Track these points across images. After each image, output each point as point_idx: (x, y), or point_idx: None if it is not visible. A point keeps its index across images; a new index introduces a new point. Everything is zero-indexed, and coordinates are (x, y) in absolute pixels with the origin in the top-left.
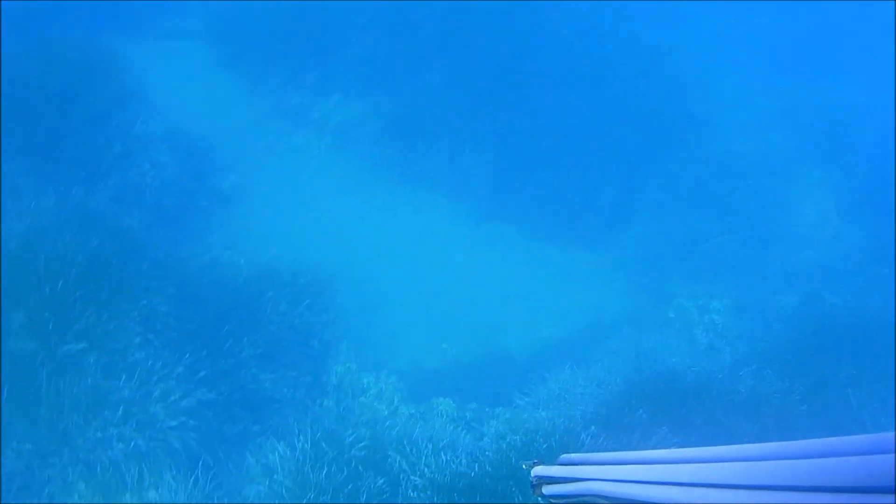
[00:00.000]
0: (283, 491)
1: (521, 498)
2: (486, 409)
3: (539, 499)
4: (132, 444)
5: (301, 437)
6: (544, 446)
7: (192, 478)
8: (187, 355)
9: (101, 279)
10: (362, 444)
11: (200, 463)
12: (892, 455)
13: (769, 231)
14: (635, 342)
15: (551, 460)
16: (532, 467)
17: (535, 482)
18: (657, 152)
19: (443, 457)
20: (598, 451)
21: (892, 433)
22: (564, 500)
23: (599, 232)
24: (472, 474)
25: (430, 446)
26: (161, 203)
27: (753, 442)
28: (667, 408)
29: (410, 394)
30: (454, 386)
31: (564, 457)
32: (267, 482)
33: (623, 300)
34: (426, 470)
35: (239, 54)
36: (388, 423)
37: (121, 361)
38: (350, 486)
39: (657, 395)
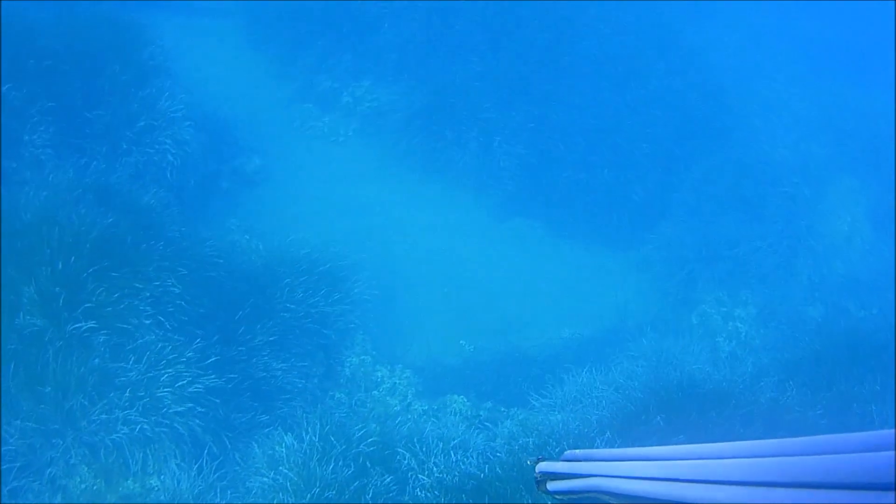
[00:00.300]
0: (288, 484)
1: (530, 501)
2: (502, 409)
3: (543, 494)
4: (137, 428)
5: (309, 430)
6: (557, 450)
7: (197, 466)
8: (198, 340)
9: (114, 257)
10: (371, 439)
11: (206, 451)
12: (893, 452)
13: (799, 240)
14: (657, 347)
15: (556, 456)
16: (536, 463)
17: (539, 478)
18: (690, 154)
19: (453, 456)
20: None
21: (893, 430)
22: (569, 496)
23: (627, 232)
24: (482, 476)
25: (440, 445)
26: (182, 182)
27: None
28: (685, 416)
29: (425, 389)
30: (470, 383)
31: (569, 453)
32: (272, 474)
33: (647, 303)
34: (435, 469)
35: (270, 35)
36: (399, 419)
37: (130, 343)
38: (357, 483)
39: (675, 403)
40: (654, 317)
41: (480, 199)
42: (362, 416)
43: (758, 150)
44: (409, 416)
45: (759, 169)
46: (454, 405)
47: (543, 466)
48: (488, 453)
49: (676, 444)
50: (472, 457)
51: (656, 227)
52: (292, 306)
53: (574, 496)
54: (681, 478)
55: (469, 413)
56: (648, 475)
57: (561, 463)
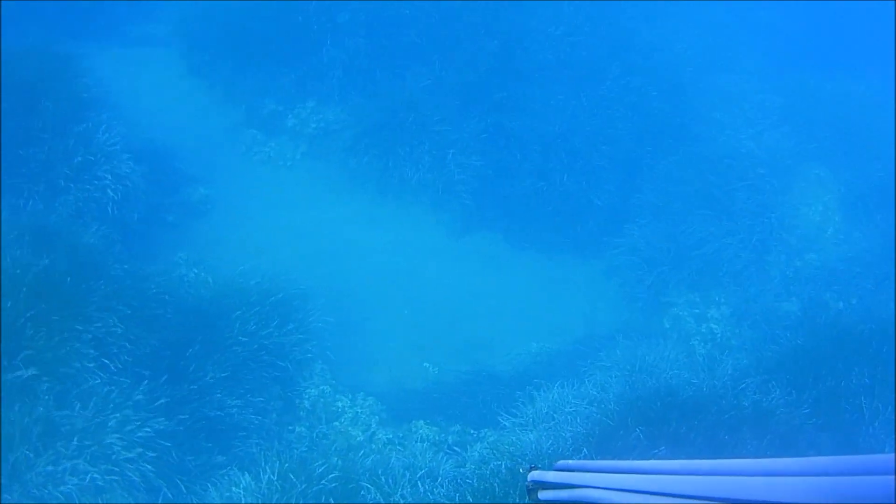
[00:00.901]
0: None
1: None
2: (471, 432)
3: (534, 503)
4: (87, 478)
5: (267, 469)
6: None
7: None
8: (146, 381)
9: (52, 299)
10: (333, 474)
11: (160, 497)
12: (893, 477)
13: (770, 234)
14: (630, 356)
15: (548, 465)
16: (529, 471)
17: (530, 486)
18: (652, 153)
19: (421, 487)
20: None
21: (893, 454)
22: None
23: (591, 239)
24: None
25: (407, 475)
26: (125, 218)
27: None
28: (665, 427)
29: (389, 417)
30: (437, 407)
31: (561, 462)
32: None
33: (616, 311)
34: (402, 502)
35: (210, 61)
36: (363, 451)
37: (74, 388)
38: None
39: (654, 413)
40: (625, 324)
41: (437, 215)
42: (324, 449)
43: (722, 145)
44: (374, 447)
45: (724, 163)
46: (420, 431)
47: (535, 475)
48: (458, 480)
49: (657, 457)
50: (441, 486)
51: (621, 232)
52: (244, 339)
53: None
54: (672, 493)
55: (436, 438)
56: (640, 488)
57: (553, 472)
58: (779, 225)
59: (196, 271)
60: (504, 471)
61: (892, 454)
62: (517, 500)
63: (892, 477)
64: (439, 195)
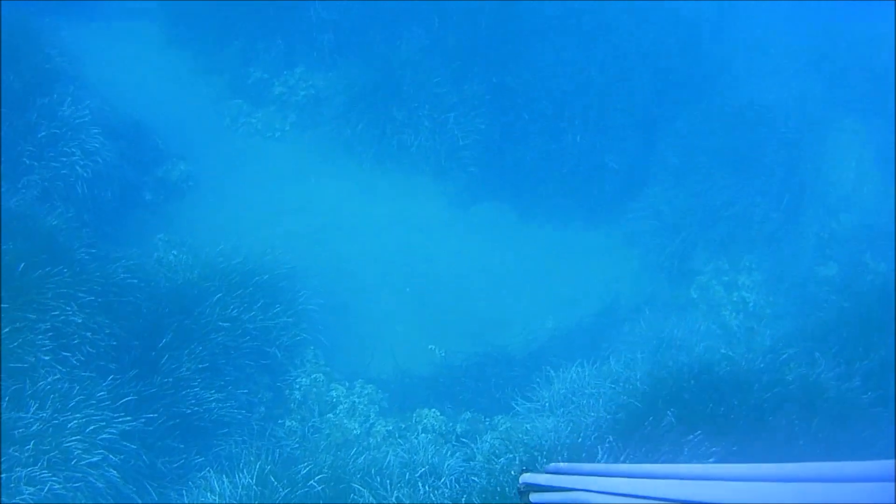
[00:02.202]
0: None
1: None
2: (482, 420)
3: None
4: (46, 487)
5: (245, 472)
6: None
7: None
8: (111, 376)
9: (4, 288)
10: (320, 475)
11: None
12: (893, 483)
13: (802, 192)
14: (656, 329)
15: (540, 468)
16: (521, 474)
17: (522, 489)
18: (671, 109)
19: (421, 487)
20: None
21: (893, 461)
22: None
23: (608, 205)
24: None
25: (406, 474)
26: (96, 197)
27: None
28: (700, 408)
29: (391, 406)
30: (444, 393)
31: (553, 465)
32: None
33: (638, 281)
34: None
35: (190, 30)
36: (356, 447)
37: (29, 386)
38: None
39: (687, 393)
40: (649, 295)
41: (440, 185)
42: (315, 446)
43: (746, 96)
44: (372, 441)
45: (749, 116)
46: (425, 421)
47: (527, 478)
48: (465, 477)
49: (694, 444)
50: (445, 485)
51: (641, 195)
52: (225, 325)
53: None
54: (666, 498)
55: (443, 429)
56: (633, 493)
57: (545, 475)
58: (812, 182)
59: (175, 253)
60: (518, 464)
61: (892, 460)
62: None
63: (892, 483)
64: (442, 163)
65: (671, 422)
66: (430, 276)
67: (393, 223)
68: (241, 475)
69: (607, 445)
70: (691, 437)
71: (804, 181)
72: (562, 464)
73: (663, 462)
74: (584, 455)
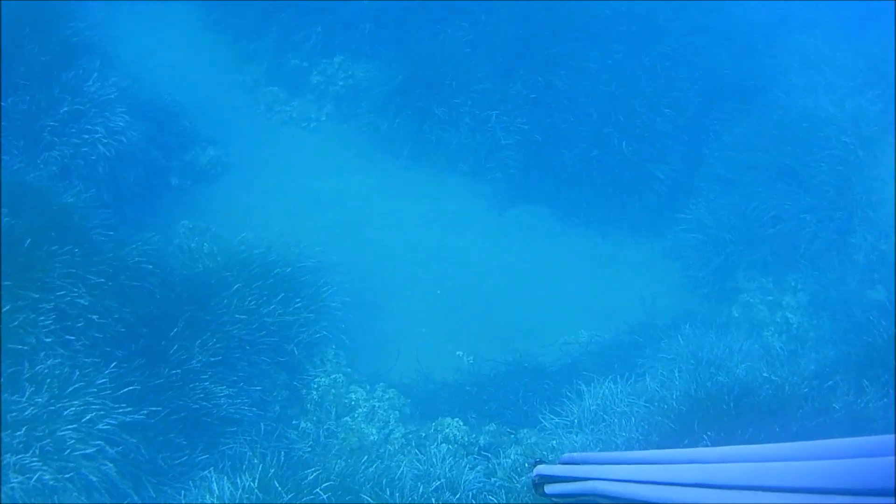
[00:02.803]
0: None
1: None
2: (507, 432)
3: (541, 497)
4: (35, 477)
5: (248, 474)
6: None
7: None
8: (115, 363)
9: (6, 263)
10: (327, 483)
11: (126, 501)
12: (893, 458)
13: (853, 212)
14: (694, 347)
15: (554, 459)
16: (534, 466)
17: (536, 481)
18: (720, 119)
19: (434, 501)
20: None
21: (893, 435)
22: (565, 499)
23: (651, 215)
24: None
25: (420, 487)
26: (118, 178)
27: None
28: (739, 432)
29: (413, 412)
30: (469, 403)
31: (566, 455)
32: None
33: (678, 297)
34: None
35: (229, 14)
36: (372, 454)
37: (27, 369)
38: None
39: (726, 416)
40: (688, 312)
41: (477, 185)
42: (328, 451)
43: (799, 111)
44: (389, 448)
45: (801, 131)
46: (447, 430)
47: (541, 469)
48: (483, 495)
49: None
50: (461, 500)
51: (685, 207)
52: (242, 317)
53: (571, 499)
54: (678, 482)
55: (465, 440)
56: (645, 479)
57: (558, 466)
58: (864, 202)
59: (198, 240)
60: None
61: (892, 435)
62: None
63: (893, 458)
64: (481, 162)
65: (707, 445)
66: (461, 280)
67: (427, 222)
68: (243, 477)
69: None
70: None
71: (855, 201)
72: (575, 454)
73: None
74: None
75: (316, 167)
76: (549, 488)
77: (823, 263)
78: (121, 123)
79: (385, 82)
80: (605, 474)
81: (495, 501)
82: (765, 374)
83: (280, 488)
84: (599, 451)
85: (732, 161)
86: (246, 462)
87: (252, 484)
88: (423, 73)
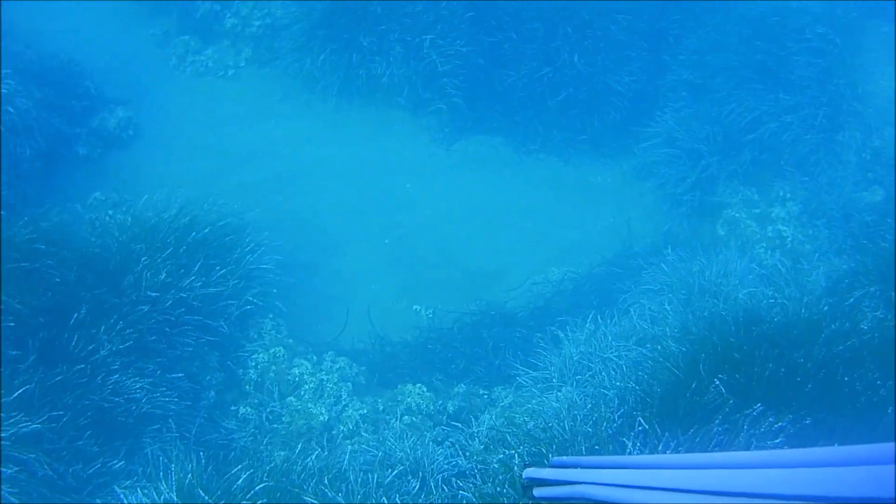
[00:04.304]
0: None
1: None
2: (478, 394)
3: (529, 500)
4: None
5: (164, 483)
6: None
7: None
8: (4, 366)
9: None
10: (261, 486)
11: None
12: (893, 466)
13: (839, 107)
14: (682, 275)
15: (543, 462)
16: (524, 468)
17: (526, 483)
18: (681, 21)
19: (395, 497)
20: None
21: (893, 443)
22: (555, 503)
23: (616, 132)
24: None
25: (375, 477)
26: (12, 154)
27: None
28: (755, 370)
29: (367, 383)
30: (431, 363)
31: (556, 459)
32: None
33: (655, 219)
34: None
35: None
36: (317, 441)
37: None
38: None
39: (736, 353)
40: (669, 235)
41: (419, 120)
42: (274, 437)
43: (765, 3)
44: (341, 429)
45: (771, 25)
46: (410, 399)
47: (531, 472)
48: (455, 480)
49: (752, 417)
50: (425, 494)
51: (652, 121)
52: (155, 294)
53: (560, 503)
54: (668, 487)
55: (431, 409)
56: (635, 483)
57: (548, 469)
58: (850, 95)
59: (111, 213)
60: (526, 456)
61: (892, 443)
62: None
63: (892, 466)
64: (419, 94)
65: (721, 392)
66: (411, 226)
67: (366, 166)
68: (161, 486)
69: (639, 430)
70: (750, 410)
71: (839, 95)
72: (565, 457)
73: (717, 448)
74: (610, 448)
75: (238, 118)
76: (538, 491)
77: (812, 167)
78: (6, 90)
79: (305, 16)
80: (594, 478)
81: (473, 482)
82: (771, 297)
83: (206, 497)
84: (589, 455)
85: (698, 65)
86: (162, 468)
87: (171, 495)
88: (345, 1)
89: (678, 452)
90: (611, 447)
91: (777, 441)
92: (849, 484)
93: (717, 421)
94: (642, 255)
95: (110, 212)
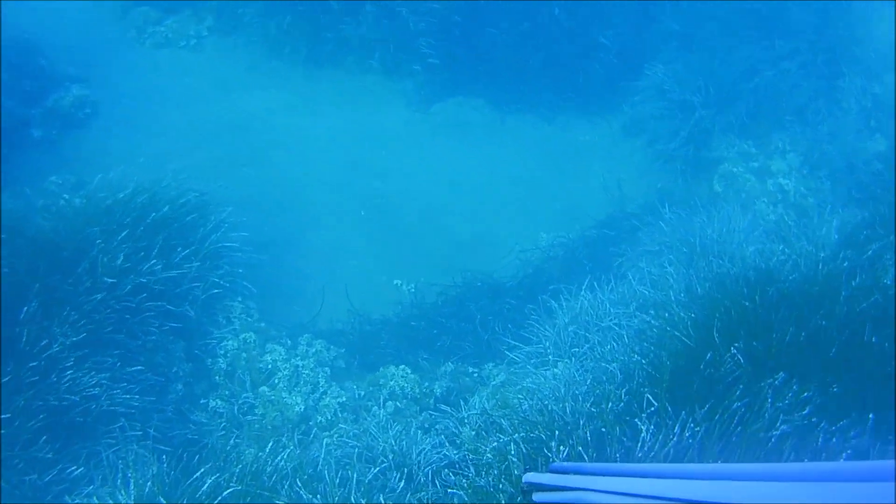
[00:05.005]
0: None
1: None
2: (467, 372)
3: None
4: None
5: (122, 491)
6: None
7: None
8: None
9: None
10: (230, 489)
11: None
12: (893, 483)
13: (838, 53)
14: (682, 234)
15: (543, 467)
16: (523, 473)
17: (525, 488)
18: None
19: (382, 499)
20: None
21: (893, 461)
22: None
23: (602, 88)
24: None
25: (355, 475)
26: None
27: None
28: (774, 336)
29: (346, 366)
30: (415, 341)
31: (556, 464)
32: None
33: (648, 177)
34: None
35: None
36: (294, 434)
37: None
38: None
39: (751, 316)
40: (663, 194)
41: (394, 83)
42: (250, 431)
43: None
44: (319, 419)
45: None
46: (393, 382)
47: (530, 477)
48: (444, 473)
49: (774, 388)
50: (411, 492)
51: (640, 74)
52: (112, 280)
53: None
54: (668, 497)
55: (416, 392)
56: (635, 492)
57: (548, 475)
58: (848, 38)
59: (67, 197)
60: (523, 444)
61: (892, 461)
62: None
63: (893, 483)
64: (393, 56)
65: (738, 361)
66: (389, 196)
67: (339, 135)
68: (120, 495)
69: (651, 410)
70: (771, 380)
71: (838, 39)
72: (565, 463)
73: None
74: (617, 431)
75: (202, 91)
76: (538, 496)
77: (811, 117)
78: None
79: None
80: (594, 485)
81: (465, 477)
82: (782, 253)
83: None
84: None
85: (687, 13)
86: (121, 473)
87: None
88: None
89: (697, 433)
90: (618, 429)
91: (805, 412)
92: (851, 500)
93: (737, 393)
94: (638, 215)
95: (66, 196)
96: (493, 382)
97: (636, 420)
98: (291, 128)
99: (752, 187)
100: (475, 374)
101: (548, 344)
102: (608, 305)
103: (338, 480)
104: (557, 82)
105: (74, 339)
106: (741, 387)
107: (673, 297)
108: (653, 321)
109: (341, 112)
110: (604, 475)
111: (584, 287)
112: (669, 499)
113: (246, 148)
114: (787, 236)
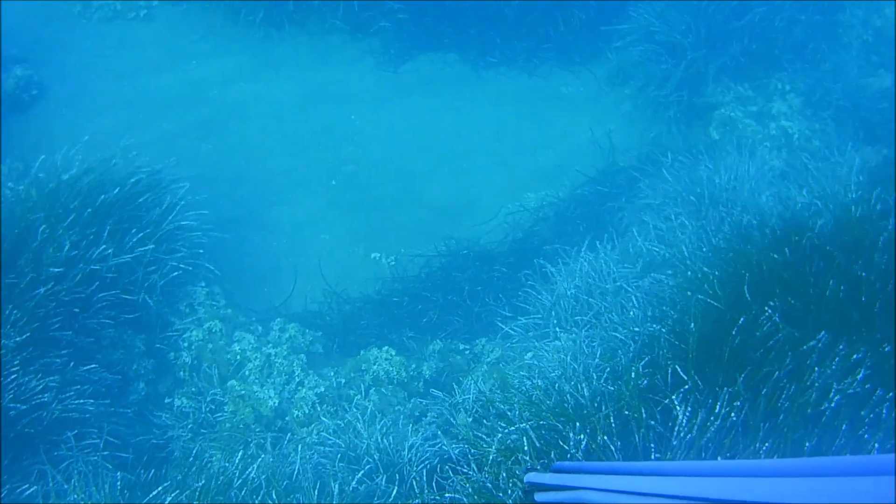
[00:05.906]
0: None
1: None
2: (458, 350)
3: None
4: None
5: None
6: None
7: None
8: None
9: None
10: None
11: None
12: (893, 477)
13: None
14: (686, 183)
15: (545, 467)
16: (525, 473)
17: (527, 488)
18: None
19: None
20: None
21: (893, 454)
22: None
23: (583, 33)
24: None
25: (336, 484)
26: None
27: None
28: (814, 293)
29: (324, 351)
30: (398, 318)
31: (557, 464)
32: None
33: (639, 127)
34: None
35: None
36: (266, 431)
37: None
38: None
39: (783, 271)
40: (656, 144)
41: (361, 42)
42: (220, 431)
43: None
44: (295, 413)
45: None
46: (377, 366)
47: (532, 477)
48: (440, 469)
49: (816, 349)
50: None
51: (624, 16)
52: (58, 270)
53: None
54: (671, 494)
55: (402, 375)
56: (637, 490)
57: (549, 474)
58: None
59: (12, 186)
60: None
61: (893, 454)
62: None
63: (893, 477)
64: (358, 13)
65: (775, 323)
66: (361, 162)
67: (304, 101)
68: None
69: (681, 393)
70: (813, 342)
71: None
72: (566, 462)
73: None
74: (642, 412)
75: (155, 63)
76: (539, 496)
77: (811, 54)
78: None
79: None
80: (595, 484)
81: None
82: (804, 198)
83: None
84: (595, 461)
85: None
86: (73, 493)
87: None
88: None
89: (741, 412)
90: (643, 410)
91: (858, 377)
92: (851, 495)
93: (774, 358)
94: (636, 167)
95: (10, 184)
96: (488, 360)
97: (664, 400)
98: (250, 96)
99: (753, 132)
100: (466, 352)
101: (547, 314)
102: (612, 265)
103: (317, 488)
104: (535, 30)
105: (18, 339)
106: (785, 352)
107: (687, 253)
108: (668, 280)
109: (305, 76)
110: (606, 474)
111: (581, 247)
112: (672, 496)
113: (202, 120)
114: (804, 180)
